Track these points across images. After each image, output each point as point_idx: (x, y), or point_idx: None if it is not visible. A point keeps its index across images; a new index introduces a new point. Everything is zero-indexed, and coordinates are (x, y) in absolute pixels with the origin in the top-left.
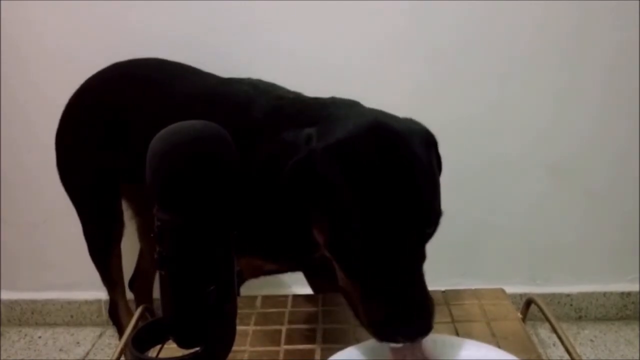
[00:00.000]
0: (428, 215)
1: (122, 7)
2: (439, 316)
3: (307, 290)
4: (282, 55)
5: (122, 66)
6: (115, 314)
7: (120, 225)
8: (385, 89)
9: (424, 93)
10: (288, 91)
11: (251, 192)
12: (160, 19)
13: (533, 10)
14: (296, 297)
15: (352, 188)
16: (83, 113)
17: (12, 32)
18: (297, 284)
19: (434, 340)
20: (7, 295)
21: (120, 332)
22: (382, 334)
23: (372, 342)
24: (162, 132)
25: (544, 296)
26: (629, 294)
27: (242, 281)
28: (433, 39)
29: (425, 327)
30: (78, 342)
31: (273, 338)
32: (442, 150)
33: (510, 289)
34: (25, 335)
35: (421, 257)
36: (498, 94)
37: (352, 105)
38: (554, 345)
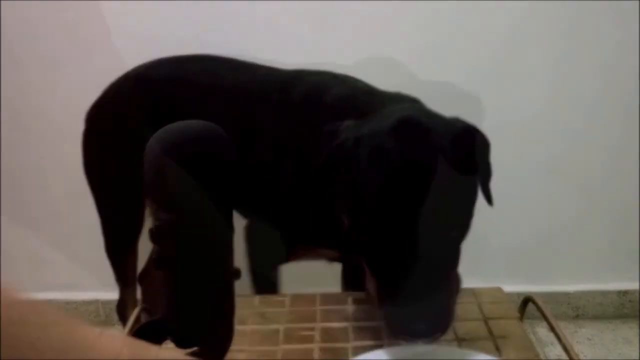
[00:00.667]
0: (443, 216)
1: (122, 7)
2: None
3: (305, 290)
4: (282, 53)
5: (164, 63)
6: (124, 313)
7: (141, 223)
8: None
9: (422, 93)
10: (362, 82)
11: (301, 177)
12: (162, 19)
13: (530, 9)
14: (294, 296)
15: (371, 177)
16: (116, 113)
17: (12, 32)
18: (296, 284)
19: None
20: None
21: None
22: (395, 329)
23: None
24: (161, 132)
25: (541, 295)
26: (626, 292)
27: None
28: (430, 38)
29: (438, 326)
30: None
31: (271, 338)
32: None
33: (507, 288)
34: None
35: (442, 260)
36: (494, 92)
37: (407, 102)
38: (551, 344)
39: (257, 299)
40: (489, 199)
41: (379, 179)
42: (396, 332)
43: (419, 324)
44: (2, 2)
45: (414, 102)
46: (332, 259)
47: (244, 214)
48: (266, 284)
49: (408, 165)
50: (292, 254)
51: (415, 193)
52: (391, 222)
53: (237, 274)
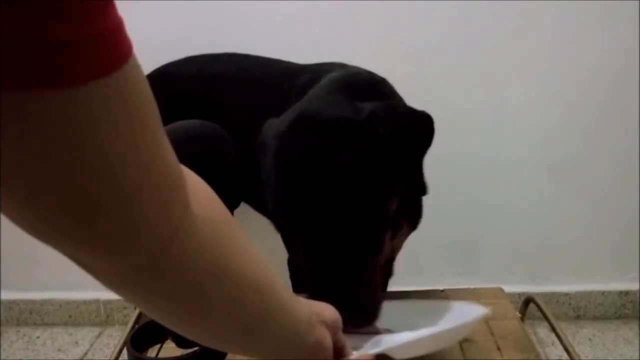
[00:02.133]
0: (343, 210)
1: (122, 7)
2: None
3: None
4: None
5: (193, 61)
6: None
7: None
8: None
9: (422, 92)
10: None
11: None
12: (163, 19)
13: (534, 9)
14: None
15: (272, 178)
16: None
17: None
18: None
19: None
20: (5, 295)
21: None
22: None
23: None
24: None
25: (542, 295)
26: (627, 292)
27: None
28: (430, 38)
29: (363, 319)
30: (76, 342)
31: None
32: (441, 149)
33: (508, 288)
34: (24, 335)
35: (359, 251)
36: (498, 93)
37: (333, 84)
38: (552, 344)
39: None
40: (422, 188)
41: (277, 181)
42: None
43: (346, 317)
44: None
45: (351, 84)
46: None
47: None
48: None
49: (302, 166)
50: None
51: (309, 194)
52: (293, 226)
53: None
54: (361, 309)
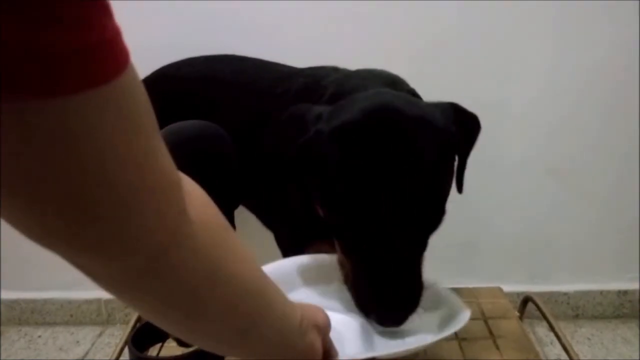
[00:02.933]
0: (416, 206)
1: (123, 7)
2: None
3: None
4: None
5: (194, 62)
6: None
7: None
8: None
9: (422, 93)
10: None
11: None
12: (163, 20)
13: (535, 9)
14: None
15: (343, 169)
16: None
17: None
18: None
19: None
20: (6, 294)
21: None
22: (366, 312)
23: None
24: (161, 131)
25: (541, 294)
26: (626, 292)
27: None
28: (431, 37)
29: (402, 316)
30: (78, 342)
31: None
32: None
33: (507, 288)
34: (25, 334)
35: (413, 247)
36: (499, 94)
37: (380, 82)
38: (551, 343)
39: None
40: (460, 186)
41: (351, 178)
42: (367, 315)
43: (388, 314)
44: None
45: (395, 82)
46: None
47: (258, 215)
48: None
49: (382, 162)
50: (308, 252)
51: (389, 191)
52: (363, 220)
53: None
54: (407, 304)
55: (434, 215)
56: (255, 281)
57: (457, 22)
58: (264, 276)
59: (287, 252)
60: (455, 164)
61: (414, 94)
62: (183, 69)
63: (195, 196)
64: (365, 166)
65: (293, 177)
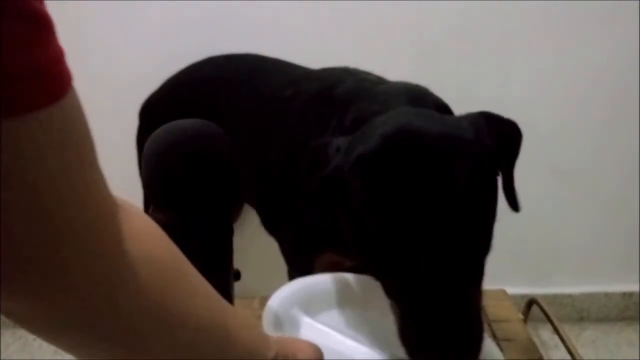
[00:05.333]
0: (458, 238)
1: (125, 7)
2: None
3: None
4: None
5: (211, 62)
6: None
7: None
8: None
9: None
10: (373, 75)
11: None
12: (165, 19)
13: (537, 9)
14: None
15: (370, 208)
16: (163, 111)
17: None
18: None
19: None
20: None
21: None
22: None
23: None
24: (159, 131)
25: (545, 297)
26: (631, 294)
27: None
28: (431, 37)
29: (469, 354)
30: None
31: None
32: None
33: (511, 290)
34: (20, 337)
35: (464, 281)
36: (501, 94)
37: (403, 99)
38: (555, 346)
39: (256, 300)
40: (514, 202)
41: (380, 216)
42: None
43: (449, 355)
44: None
45: (418, 98)
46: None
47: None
48: None
49: (411, 191)
50: (317, 262)
51: (427, 223)
52: (403, 255)
53: (237, 275)
54: (470, 341)
55: (482, 240)
56: (212, 318)
57: (458, 22)
58: (223, 311)
59: (293, 262)
60: (499, 178)
61: (440, 105)
62: (203, 68)
63: (140, 229)
64: (393, 199)
65: (316, 207)
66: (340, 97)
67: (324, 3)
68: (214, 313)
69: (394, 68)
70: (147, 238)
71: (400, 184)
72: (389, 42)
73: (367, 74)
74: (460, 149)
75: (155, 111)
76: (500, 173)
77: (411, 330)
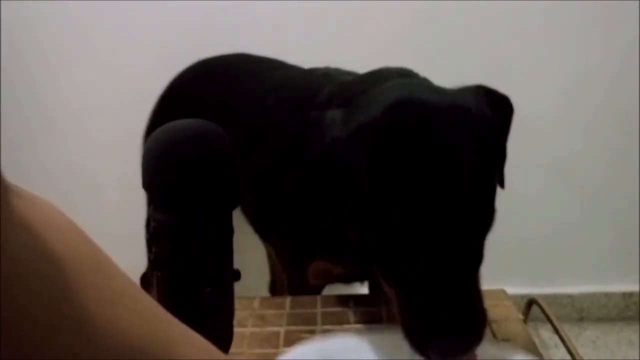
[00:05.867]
0: (464, 212)
1: (128, 6)
2: None
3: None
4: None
5: (201, 65)
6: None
7: None
8: None
9: None
10: (354, 74)
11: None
12: (168, 19)
13: (534, 10)
14: (295, 298)
15: (373, 180)
16: (168, 111)
17: (13, 31)
18: None
19: None
20: None
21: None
22: (421, 349)
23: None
24: (158, 130)
25: (545, 297)
26: (630, 294)
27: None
28: (430, 35)
29: (468, 343)
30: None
31: (271, 340)
32: None
33: (511, 290)
34: None
35: (468, 259)
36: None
37: (395, 77)
38: (555, 346)
39: (256, 300)
40: (501, 180)
41: (382, 185)
42: (426, 350)
43: (451, 339)
44: (4, 1)
45: (403, 74)
46: (348, 279)
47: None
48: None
49: (417, 164)
50: (310, 272)
51: (427, 194)
52: (406, 235)
53: (236, 275)
54: (474, 324)
55: (486, 216)
56: (145, 332)
57: (460, 22)
58: (161, 323)
59: (286, 268)
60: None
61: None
62: (193, 69)
63: (38, 220)
64: (397, 172)
65: (310, 196)
66: (322, 105)
67: (325, 3)
68: (148, 326)
69: (390, 66)
70: (49, 232)
71: (403, 156)
72: (384, 40)
73: (348, 74)
74: (463, 118)
75: (163, 112)
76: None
77: (410, 313)
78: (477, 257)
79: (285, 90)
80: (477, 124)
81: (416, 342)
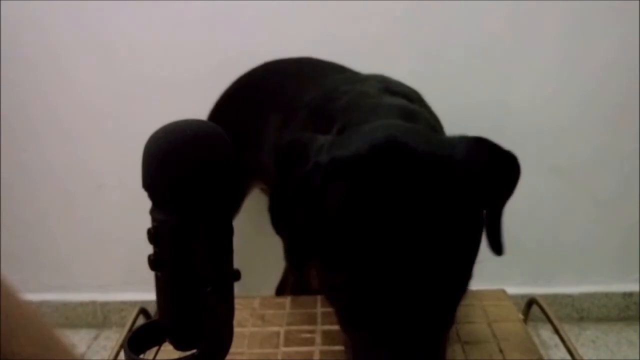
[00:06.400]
0: (426, 267)
1: (132, 6)
2: None
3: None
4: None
5: (252, 73)
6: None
7: (236, 212)
8: None
9: (423, 91)
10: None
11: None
12: (171, 19)
13: (540, 8)
14: (295, 298)
15: (342, 214)
16: (221, 113)
17: (14, 31)
18: None
19: None
20: None
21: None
22: None
23: None
24: (158, 130)
25: (545, 297)
26: (631, 294)
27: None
28: (432, 36)
29: None
30: (73, 344)
31: (271, 340)
32: None
33: (511, 290)
34: None
35: (430, 317)
36: (502, 94)
37: (395, 114)
38: (555, 346)
39: (256, 300)
40: (497, 244)
41: (350, 224)
42: None
43: None
44: (9, 0)
45: (410, 114)
46: None
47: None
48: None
49: (382, 205)
50: (311, 273)
51: (398, 243)
52: (364, 279)
53: (236, 275)
54: None
55: (457, 277)
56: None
57: (460, 22)
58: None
59: (291, 268)
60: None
61: (432, 127)
62: (254, 74)
63: None
64: (367, 209)
65: (291, 216)
66: (338, 111)
67: (325, 3)
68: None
69: (395, 72)
70: None
71: (377, 194)
72: (390, 46)
73: (388, 81)
74: (445, 170)
75: (220, 111)
76: (488, 208)
77: None
78: (443, 320)
79: (314, 98)
80: (457, 175)
81: None
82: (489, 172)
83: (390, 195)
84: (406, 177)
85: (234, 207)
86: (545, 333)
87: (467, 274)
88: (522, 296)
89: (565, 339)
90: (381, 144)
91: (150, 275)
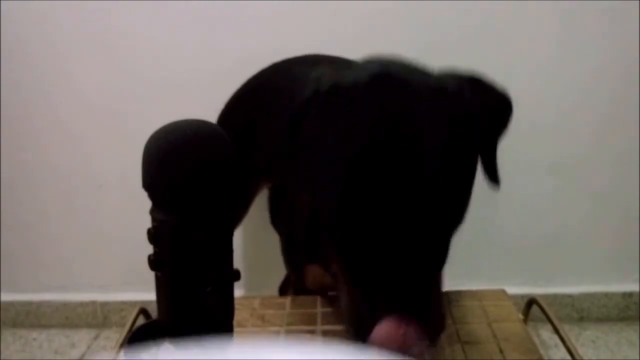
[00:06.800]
0: (425, 197)
1: (133, 6)
2: None
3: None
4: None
5: (261, 74)
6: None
7: (244, 212)
8: None
9: None
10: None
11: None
12: (171, 18)
13: (537, 6)
14: (295, 298)
15: (341, 141)
16: (231, 115)
17: (14, 30)
18: None
19: None
20: (2, 296)
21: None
22: (361, 333)
23: None
24: (158, 130)
25: (545, 297)
26: (630, 294)
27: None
28: (430, 32)
29: (435, 330)
30: (73, 344)
31: (271, 340)
32: None
33: (511, 290)
34: (20, 337)
35: (429, 249)
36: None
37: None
38: (555, 346)
39: (257, 300)
40: (494, 178)
41: (349, 150)
42: (365, 334)
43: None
44: (1, 1)
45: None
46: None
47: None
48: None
49: (380, 132)
50: (308, 275)
51: (397, 171)
52: (365, 201)
53: (236, 275)
54: (434, 317)
55: (452, 206)
56: None
57: (459, 20)
58: None
59: (288, 268)
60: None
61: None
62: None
63: None
64: (367, 135)
65: (287, 152)
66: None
67: (325, 3)
68: None
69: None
70: None
71: (377, 121)
72: (390, 39)
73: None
74: (439, 100)
75: (231, 111)
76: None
77: (360, 303)
78: (439, 250)
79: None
80: (453, 109)
81: (357, 326)
82: (482, 104)
83: (389, 122)
84: (404, 103)
85: (243, 207)
86: (545, 333)
87: (462, 209)
88: (522, 296)
89: (565, 339)
90: (380, 73)
91: (150, 275)
